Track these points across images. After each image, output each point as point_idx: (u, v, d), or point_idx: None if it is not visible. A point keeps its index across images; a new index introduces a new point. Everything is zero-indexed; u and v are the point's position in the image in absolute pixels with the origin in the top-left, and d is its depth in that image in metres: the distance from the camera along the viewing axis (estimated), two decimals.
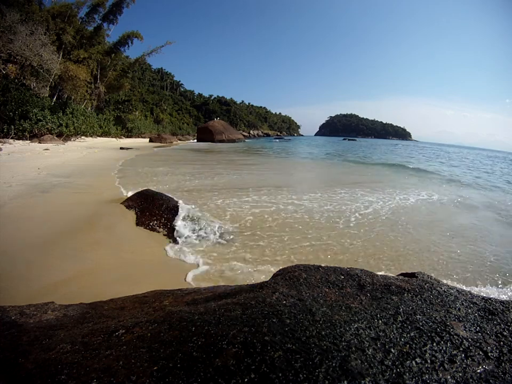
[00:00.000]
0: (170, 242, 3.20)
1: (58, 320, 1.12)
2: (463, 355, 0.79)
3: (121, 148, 17.07)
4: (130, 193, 4.80)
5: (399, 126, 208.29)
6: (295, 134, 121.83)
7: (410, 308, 1.04)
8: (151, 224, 3.68)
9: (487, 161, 24.91)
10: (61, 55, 21.66)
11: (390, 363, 0.74)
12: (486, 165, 20.67)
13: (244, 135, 54.58)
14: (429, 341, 0.84)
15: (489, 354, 0.81)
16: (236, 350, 0.75)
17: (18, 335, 0.94)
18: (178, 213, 3.72)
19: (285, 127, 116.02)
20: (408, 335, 0.86)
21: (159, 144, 25.98)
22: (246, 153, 19.57)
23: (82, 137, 21.59)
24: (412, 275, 1.46)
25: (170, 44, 30.94)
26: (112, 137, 26.48)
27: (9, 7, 17.19)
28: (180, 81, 77.61)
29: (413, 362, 0.75)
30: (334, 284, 1.25)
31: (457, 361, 0.77)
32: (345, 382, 0.66)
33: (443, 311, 1.03)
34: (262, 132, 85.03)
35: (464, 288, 1.32)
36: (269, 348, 0.75)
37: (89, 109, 25.85)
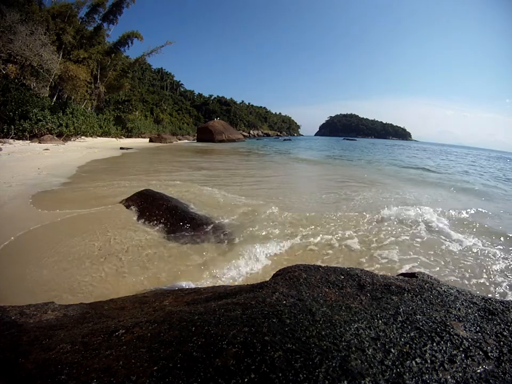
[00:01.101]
0: (170, 241, 3.20)
1: (58, 320, 1.12)
2: (463, 355, 0.79)
3: (121, 148, 17.10)
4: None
5: (399, 126, 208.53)
6: (295, 134, 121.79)
7: (410, 308, 1.04)
8: (151, 223, 3.68)
9: None
10: (61, 55, 21.66)
11: (390, 363, 0.74)
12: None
13: (244, 135, 54.63)
14: (429, 341, 0.84)
15: (489, 354, 0.81)
16: (236, 350, 0.75)
17: (18, 335, 0.94)
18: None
19: (285, 127, 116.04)
20: (408, 335, 0.86)
21: (158, 144, 26.03)
22: (246, 156, 19.48)
23: (82, 137, 21.59)
24: (412, 275, 1.46)
25: (170, 43, 30.95)
26: (112, 137, 26.48)
27: (9, 7, 17.18)
28: (180, 81, 77.70)
29: (413, 362, 0.75)
30: (334, 284, 1.25)
31: (457, 361, 0.77)
32: (345, 382, 0.66)
33: (443, 311, 1.03)
34: (262, 132, 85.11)
35: (463, 288, 1.32)
36: (269, 347, 0.75)
37: (89, 109, 25.85)
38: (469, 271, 2.96)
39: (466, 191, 8.19)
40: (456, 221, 4.64)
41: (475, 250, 3.48)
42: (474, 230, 4.27)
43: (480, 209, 5.55)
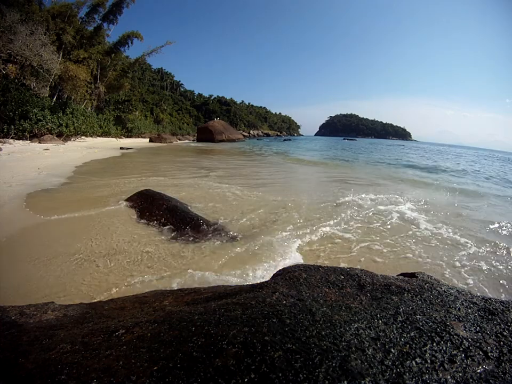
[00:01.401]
0: (170, 241, 3.20)
1: (58, 320, 1.12)
2: (463, 355, 0.79)
3: (121, 148, 17.10)
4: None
5: (399, 126, 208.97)
6: (295, 134, 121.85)
7: (410, 307, 1.04)
8: (151, 223, 3.68)
9: None
10: (61, 55, 21.65)
11: (390, 363, 0.74)
12: None
13: (244, 135, 54.71)
14: (429, 341, 0.84)
15: (489, 354, 0.81)
16: (236, 350, 0.75)
17: (18, 335, 0.94)
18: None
19: (285, 127, 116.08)
20: (408, 335, 0.86)
21: (158, 144, 26.05)
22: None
23: (82, 137, 21.59)
24: (412, 275, 1.46)
25: (170, 43, 30.96)
26: (112, 137, 26.47)
27: (9, 7, 17.18)
28: (180, 81, 77.70)
29: (413, 362, 0.75)
30: (334, 284, 1.25)
31: (457, 361, 0.77)
32: (345, 382, 0.66)
33: (443, 311, 1.03)
34: (262, 132, 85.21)
35: (464, 288, 1.32)
36: (269, 347, 0.75)
37: (89, 109, 25.84)
38: (428, 252, 3.29)
39: (460, 191, 8.23)
40: (433, 215, 4.90)
41: (439, 237, 3.80)
42: (447, 222, 4.51)
43: (461, 205, 5.81)
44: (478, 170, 15.86)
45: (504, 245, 3.63)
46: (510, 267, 3.02)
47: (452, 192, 7.88)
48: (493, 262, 3.12)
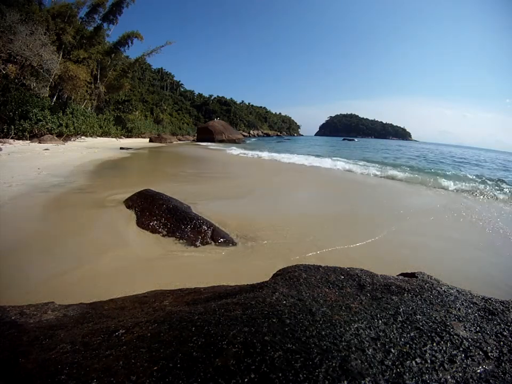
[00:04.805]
0: (169, 241, 3.20)
1: (58, 320, 1.12)
2: (463, 355, 0.79)
3: (121, 148, 17.09)
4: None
5: (399, 126, 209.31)
6: (295, 134, 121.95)
7: (410, 308, 1.04)
8: (151, 224, 3.68)
9: None
10: (61, 55, 21.65)
11: (390, 363, 0.74)
12: None
13: (244, 135, 54.82)
14: (429, 341, 0.84)
15: (489, 354, 0.81)
16: (236, 350, 0.75)
17: (18, 335, 0.94)
18: None
19: (285, 127, 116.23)
20: (408, 335, 0.86)
21: (158, 143, 26.08)
22: None
23: (82, 137, 21.60)
24: (412, 275, 1.46)
25: (170, 43, 30.99)
26: (112, 137, 26.47)
27: (9, 7, 17.16)
28: (179, 81, 77.69)
29: (413, 362, 0.75)
30: (334, 284, 1.25)
31: (457, 361, 0.77)
32: (345, 382, 0.66)
33: (443, 311, 1.03)
34: (262, 132, 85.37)
35: (464, 288, 1.32)
36: (269, 347, 0.75)
37: (89, 109, 25.84)
38: None
39: None
40: None
41: None
42: None
43: None
44: None
45: None
46: None
47: None
48: None
